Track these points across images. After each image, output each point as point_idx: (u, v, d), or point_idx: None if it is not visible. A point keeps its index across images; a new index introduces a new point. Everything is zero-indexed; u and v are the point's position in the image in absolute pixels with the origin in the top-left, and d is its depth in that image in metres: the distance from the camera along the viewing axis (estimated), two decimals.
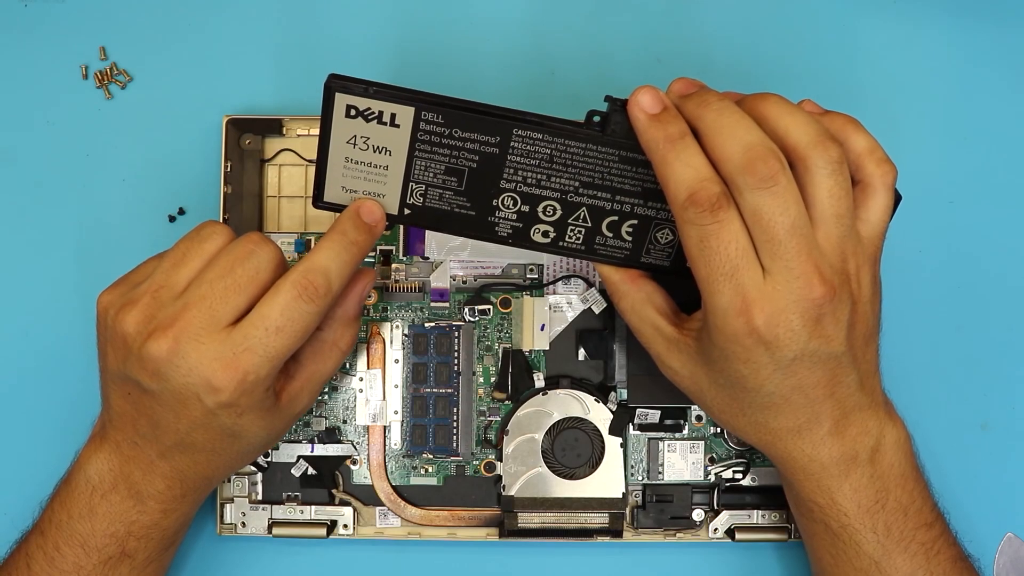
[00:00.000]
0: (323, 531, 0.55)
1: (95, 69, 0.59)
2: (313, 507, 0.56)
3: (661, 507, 0.56)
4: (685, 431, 0.56)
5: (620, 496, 0.55)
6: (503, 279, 0.56)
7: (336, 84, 0.44)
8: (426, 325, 0.56)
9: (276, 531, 0.56)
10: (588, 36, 0.59)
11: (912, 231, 0.58)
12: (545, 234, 0.48)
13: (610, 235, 0.48)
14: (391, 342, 0.56)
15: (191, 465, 0.48)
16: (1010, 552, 0.57)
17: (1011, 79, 0.59)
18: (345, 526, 0.56)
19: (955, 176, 0.59)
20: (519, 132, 0.45)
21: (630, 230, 0.48)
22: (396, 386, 0.56)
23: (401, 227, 0.56)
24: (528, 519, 0.55)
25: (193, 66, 0.59)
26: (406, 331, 0.56)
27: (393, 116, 0.44)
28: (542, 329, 0.56)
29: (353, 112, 0.44)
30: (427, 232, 0.56)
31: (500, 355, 0.56)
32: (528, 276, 0.57)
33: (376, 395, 0.56)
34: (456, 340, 0.56)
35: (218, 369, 0.44)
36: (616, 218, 0.47)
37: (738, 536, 0.56)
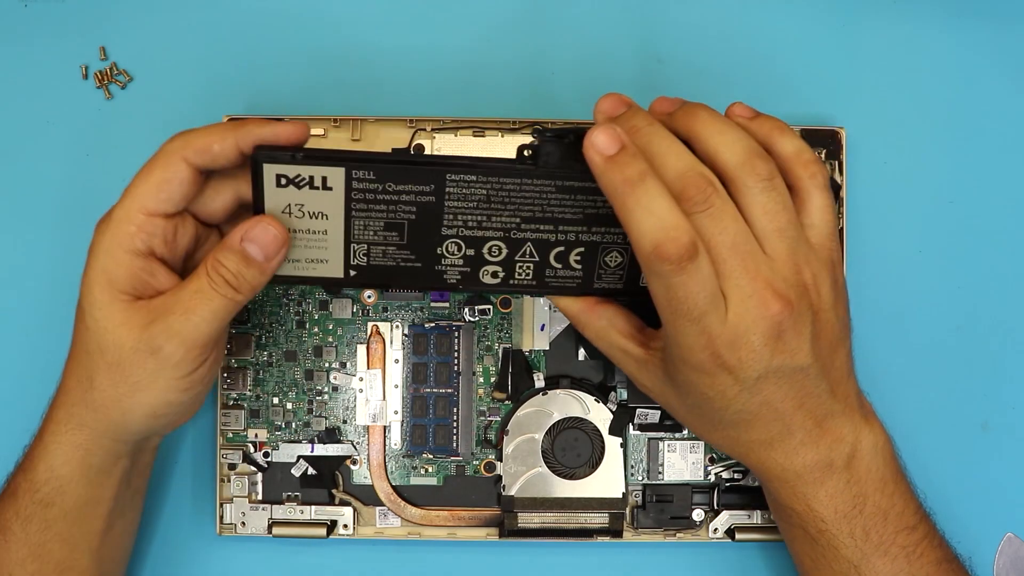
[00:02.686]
0: (323, 531, 0.55)
1: (95, 69, 0.59)
2: (313, 507, 0.56)
3: (661, 507, 0.56)
4: (685, 431, 0.56)
5: (620, 496, 0.55)
6: None
7: (262, 155, 0.44)
8: (426, 325, 0.56)
9: (276, 531, 0.56)
10: (588, 36, 0.59)
11: (912, 231, 0.58)
12: (494, 275, 0.48)
13: (559, 266, 0.48)
14: (391, 342, 0.56)
15: (73, 371, 0.47)
16: (1010, 552, 0.57)
17: (1011, 79, 0.59)
18: (345, 526, 0.56)
19: (955, 176, 0.59)
20: (452, 177, 0.44)
21: (578, 258, 0.47)
22: (396, 386, 0.56)
23: None
24: (528, 519, 0.55)
25: (193, 66, 0.59)
26: (406, 331, 0.56)
27: (324, 179, 0.44)
28: (542, 329, 0.56)
29: (284, 181, 0.44)
30: None
31: (500, 355, 0.56)
32: None
33: (376, 395, 0.56)
34: (456, 340, 0.56)
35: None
36: (563, 248, 0.47)
37: (738, 536, 0.56)
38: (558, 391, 0.56)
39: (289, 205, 0.45)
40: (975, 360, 0.58)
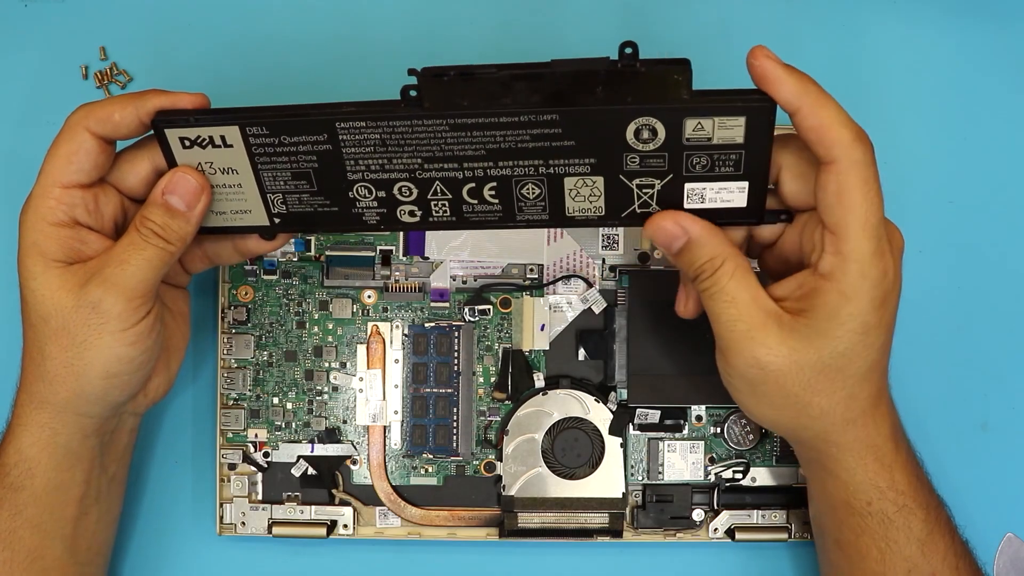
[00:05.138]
0: (323, 531, 0.55)
1: (95, 69, 0.59)
2: (313, 507, 0.56)
3: (661, 507, 0.56)
4: (685, 431, 0.56)
5: (620, 496, 0.55)
6: (503, 279, 0.57)
7: (161, 121, 0.45)
8: (426, 325, 0.56)
9: (276, 531, 0.56)
10: (587, 35, 0.59)
11: (912, 231, 0.58)
12: (412, 213, 0.48)
13: (475, 201, 0.47)
14: (391, 342, 0.56)
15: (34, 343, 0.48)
16: (1010, 552, 0.57)
17: (1011, 79, 0.59)
18: (345, 526, 0.56)
19: (955, 176, 0.59)
20: (341, 125, 0.44)
21: (493, 193, 0.47)
22: (396, 386, 0.56)
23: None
24: (528, 519, 0.55)
25: (193, 66, 0.59)
26: (406, 331, 0.56)
27: (223, 138, 0.45)
28: (542, 329, 0.56)
29: (187, 143, 0.45)
30: (427, 232, 0.56)
31: (500, 355, 0.56)
32: (528, 276, 0.57)
33: (376, 395, 0.56)
34: (456, 340, 0.56)
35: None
36: (474, 184, 0.46)
37: (738, 536, 0.56)
38: (558, 391, 0.56)
39: (200, 164, 0.46)
40: (975, 360, 0.58)
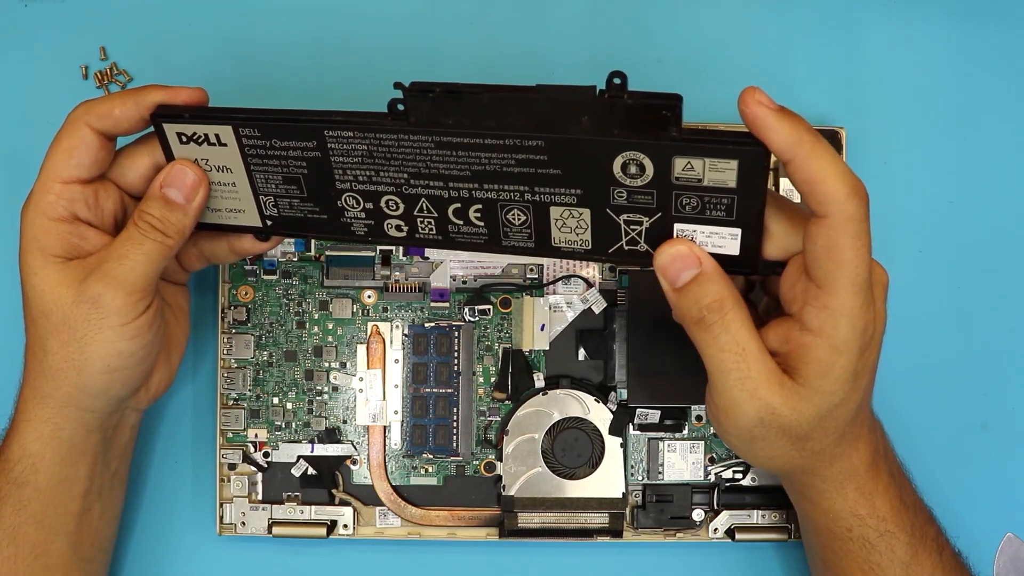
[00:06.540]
0: (323, 531, 0.55)
1: (95, 69, 0.59)
2: (313, 507, 0.56)
3: (661, 507, 0.56)
4: (685, 431, 0.56)
5: (620, 496, 0.55)
6: (503, 279, 0.57)
7: (159, 115, 0.45)
8: (426, 325, 0.56)
9: (276, 531, 0.56)
10: (587, 36, 0.59)
11: (912, 231, 0.58)
12: (398, 228, 0.47)
13: (460, 222, 0.46)
14: (391, 342, 0.56)
15: (35, 340, 0.48)
16: (1010, 552, 0.58)
17: (1011, 79, 0.59)
18: (345, 526, 0.56)
19: (955, 176, 0.59)
20: (330, 133, 0.44)
21: (478, 215, 0.46)
22: (396, 386, 0.56)
23: None
24: (528, 519, 0.55)
25: (192, 67, 0.59)
26: (406, 331, 0.56)
27: (218, 136, 0.45)
28: (542, 329, 0.56)
29: (184, 138, 0.46)
30: None
31: (500, 355, 0.56)
32: (528, 276, 0.57)
33: (376, 395, 0.56)
34: (456, 340, 0.56)
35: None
36: (459, 205, 0.46)
37: (738, 536, 0.56)
38: (558, 391, 0.56)
39: (196, 160, 0.47)
40: (975, 360, 0.58)
